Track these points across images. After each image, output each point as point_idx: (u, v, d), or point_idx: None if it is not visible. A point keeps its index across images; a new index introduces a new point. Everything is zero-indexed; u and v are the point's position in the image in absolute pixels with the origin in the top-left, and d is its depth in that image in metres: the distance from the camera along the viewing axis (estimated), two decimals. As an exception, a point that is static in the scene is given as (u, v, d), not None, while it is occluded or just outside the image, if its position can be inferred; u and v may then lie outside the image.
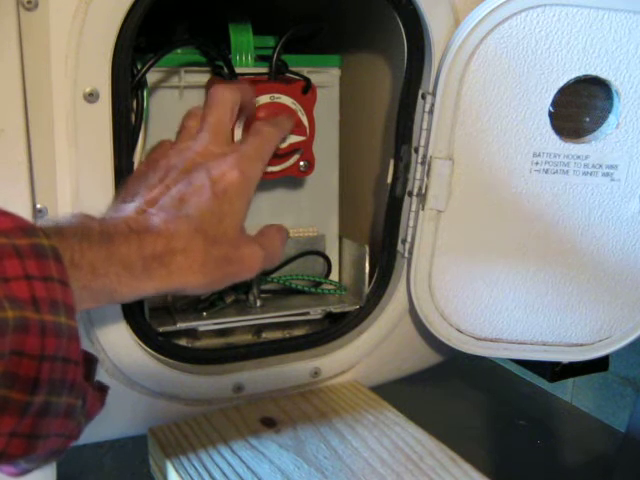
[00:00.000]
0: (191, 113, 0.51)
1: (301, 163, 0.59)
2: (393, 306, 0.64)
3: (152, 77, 0.57)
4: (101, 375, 0.54)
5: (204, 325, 0.61)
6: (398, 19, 0.56)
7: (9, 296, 0.29)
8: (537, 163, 0.57)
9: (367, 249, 0.65)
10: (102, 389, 0.38)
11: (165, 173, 0.45)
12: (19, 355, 0.29)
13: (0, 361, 0.28)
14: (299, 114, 0.58)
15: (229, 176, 0.44)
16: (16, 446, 0.30)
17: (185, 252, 0.41)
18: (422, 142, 0.58)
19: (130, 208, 0.42)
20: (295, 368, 0.63)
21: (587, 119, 0.58)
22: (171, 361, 0.58)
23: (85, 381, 0.34)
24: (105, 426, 0.58)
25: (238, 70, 0.57)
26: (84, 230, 0.37)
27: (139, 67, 0.53)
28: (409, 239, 0.60)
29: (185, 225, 0.41)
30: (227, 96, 0.49)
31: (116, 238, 0.38)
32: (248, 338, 0.67)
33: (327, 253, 0.69)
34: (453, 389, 1.53)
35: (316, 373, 0.64)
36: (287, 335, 0.67)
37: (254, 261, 0.45)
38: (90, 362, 0.37)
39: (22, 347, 0.29)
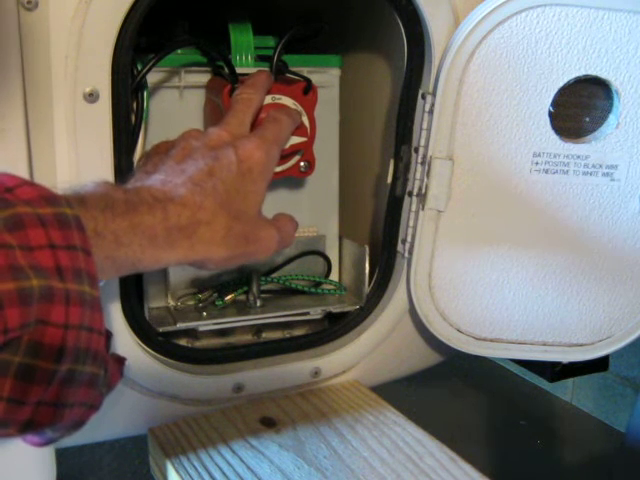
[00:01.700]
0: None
1: (301, 163, 0.59)
2: (393, 306, 0.64)
3: (152, 77, 0.57)
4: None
5: (204, 325, 0.61)
6: (398, 19, 0.56)
7: (34, 265, 0.29)
8: (537, 163, 0.57)
9: (367, 249, 0.65)
10: (120, 361, 0.39)
11: (191, 149, 0.45)
12: (44, 324, 0.29)
13: (26, 330, 0.28)
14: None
15: (255, 156, 0.45)
16: (43, 414, 0.31)
17: (209, 225, 0.41)
18: (422, 142, 0.58)
19: (155, 179, 0.42)
20: (295, 368, 0.63)
21: (587, 119, 0.58)
22: (171, 361, 0.58)
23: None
24: (105, 426, 0.58)
25: (238, 70, 0.57)
26: (107, 200, 0.37)
27: (139, 67, 0.53)
28: (409, 239, 0.60)
29: (211, 198, 0.41)
30: (254, 97, 0.51)
31: (140, 208, 0.38)
32: (248, 338, 0.67)
33: (327, 253, 0.69)
34: (453, 389, 1.53)
35: (316, 373, 0.64)
36: (287, 335, 0.67)
37: (270, 242, 0.46)
38: (108, 336, 0.37)
39: (47, 316, 0.29)
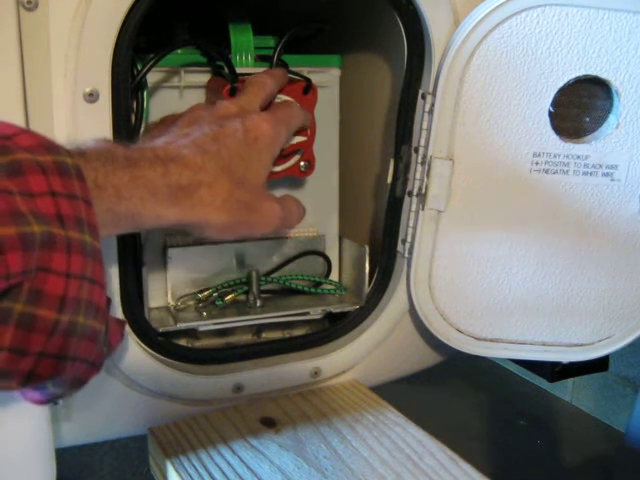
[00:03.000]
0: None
1: (302, 163, 0.59)
2: (393, 306, 0.64)
3: (152, 77, 0.57)
4: (101, 375, 0.54)
5: (204, 325, 0.61)
6: (398, 19, 0.56)
7: (34, 211, 0.28)
8: (537, 163, 0.57)
9: (367, 249, 0.65)
10: (120, 323, 0.38)
11: (198, 117, 0.45)
12: (46, 271, 0.29)
13: (27, 277, 0.28)
14: (299, 114, 0.58)
15: (262, 127, 0.45)
16: (44, 366, 0.30)
17: (210, 187, 0.41)
18: (422, 142, 0.58)
19: (159, 141, 0.42)
20: (295, 368, 0.63)
21: (587, 119, 0.58)
22: (171, 361, 0.58)
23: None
24: (105, 426, 0.58)
25: (238, 70, 0.57)
26: (108, 154, 0.37)
27: (139, 67, 0.53)
28: (409, 239, 0.60)
29: (214, 161, 0.41)
30: (269, 83, 0.52)
31: (141, 163, 0.38)
32: (248, 338, 0.67)
33: (327, 253, 0.69)
34: (453, 389, 1.53)
35: (316, 373, 0.64)
36: (287, 335, 0.67)
37: (272, 216, 0.46)
38: (108, 299, 0.37)
39: (49, 263, 0.29)
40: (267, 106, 0.53)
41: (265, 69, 0.57)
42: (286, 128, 0.49)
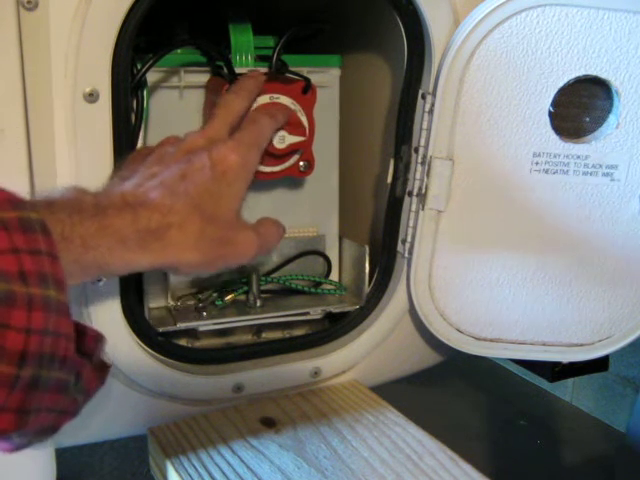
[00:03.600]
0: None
1: (301, 163, 0.59)
2: (393, 306, 0.64)
3: (152, 77, 0.57)
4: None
5: (204, 325, 0.61)
6: (398, 19, 0.56)
7: None
8: (537, 163, 0.57)
9: (367, 249, 0.65)
10: (103, 367, 0.38)
11: (166, 154, 0.45)
12: (5, 328, 0.29)
13: None
14: (299, 114, 0.58)
15: (229, 159, 0.45)
16: (5, 421, 0.30)
17: (180, 227, 0.41)
18: (422, 142, 0.58)
19: (128, 184, 0.42)
20: (295, 368, 0.63)
21: (587, 119, 0.58)
22: (171, 361, 0.58)
23: (82, 357, 0.34)
24: (105, 426, 0.58)
25: (238, 70, 0.57)
26: (75, 203, 0.37)
27: (139, 67, 0.53)
28: (409, 239, 0.60)
29: (182, 201, 0.41)
30: (236, 102, 0.51)
31: (110, 211, 0.38)
32: (248, 338, 0.67)
33: (327, 253, 0.69)
34: (453, 389, 1.53)
35: (316, 373, 0.64)
36: (287, 335, 0.67)
37: (248, 246, 0.45)
38: (96, 340, 0.37)
39: (8, 320, 0.29)
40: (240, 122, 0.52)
41: (257, 69, 0.57)
42: (256, 150, 0.48)
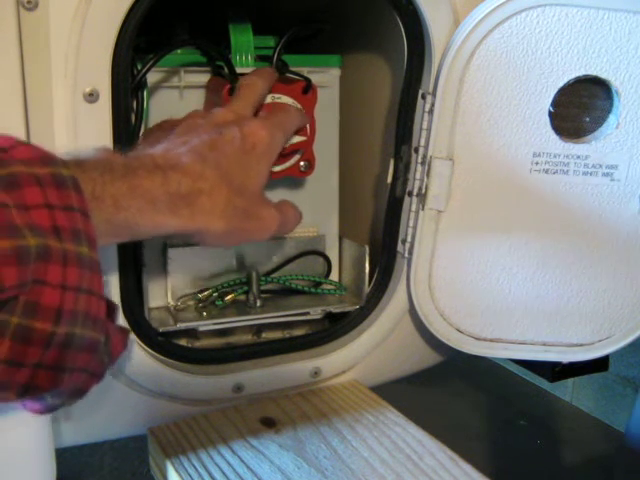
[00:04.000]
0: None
1: (301, 163, 0.59)
2: (393, 306, 0.64)
3: (152, 77, 0.57)
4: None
5: (204, 325, 0.61)
6: (398, 19, 0.56)
7: (30, 224, 0.28)
8: (537, 163, 0.57)
9: (367, 249, 0.65)
10: (124, 332, 0.38)
11: (196, 125, 0.45)
12: (41, 284, 0.29)
13: (22, 290, 0.28)
14: (299, 114, 0.58)
15: (259, 134, 0.45)
16: (42, 378, 0.30)
17: (210, 195, 0.41)
18: (422, 142, 0.58)
19: (157, 148, 0.42)
20: (295, 368, 0.63)
21: (587, 119, 0.58)
22: (171, 361, 0.58)
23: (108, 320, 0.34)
24: (105, 426, 0.58)
25: (238, 70, 0.57)
26: (106, 163, 0.36)
27: (139, 67, 0.53)
28: (409, 239, 0.60)
29: (213, 169, 0.41)
30: (259, 84, 0.52)
31: (140, 172, 0.38)
32: (248, 338, 0.67)
33: (327, 253, 0.69)
34: (453, 389, 1.53)
35: (316, 373, 0.64)
36: (287, 335, 0.67)
37: (271, 222, 0.46)
38: (110, 308, 0.37)
39: (44, 276, 0.29)
40: (260, 107, 0.53)
41: (255, 69, 0.57)
42: (282, 133, 0.49)
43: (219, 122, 0.45)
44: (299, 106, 0.58)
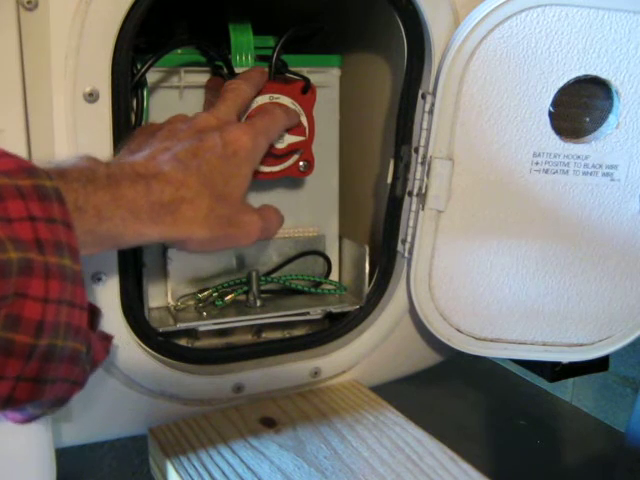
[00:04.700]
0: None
1: (301, 163, 0.59)
2: (393, 306, 0.64)
3: (152, 77, 0.57)
4: (101, 375, 0.54)
5: (204, 325, 0.61)
6: (398, 19, 0.56)
7: (12, 237, 0.28)
8: (537, 163, 0.57)
9: (367, 249, 0.65)
10: (106, 339, 0.38)
11: (177, 130, 0.45)
12: (23, 297, 0.29)
13: (4, 303, 0.28)
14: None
15: (241, 140, 0.45)
16: (23, 390, 0.30)
17: (192, 203, 0.41)
18: (422, 142, 0.58)
19: (139, 155, 0.42)
20: (295, 368, 0.63)
21: (587, 119, 0.58)
22: (171, 361, 0.58)
23: (90, 329, 0.34)
24: (105, 426, 0.58)
25: (238, 70, 0.57)
26: (89, 173, 0.36)
27: (139, 67, 0.53)
28: (409, 239, 0.60)
29: (195, 177, 0.41)
30: (243, 88, 0.51)
31: (123, 182, 0.38)
32: (248, 338, 0.67)
33: (327, 253, 0.69)
34: (453, 389, 1.53)
35: (316, 373, 0.64)
36: (287, 335, 0.67)
37: (253, 228, 0.46)
38: (93, 314, 0.37)
39: (26, 289, 0.29)
40: (245, 110, 0.53)
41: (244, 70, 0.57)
42: (265, 138, 0.48)
43: (200, 128, 0.45)
44: (298, 106, 0.58)
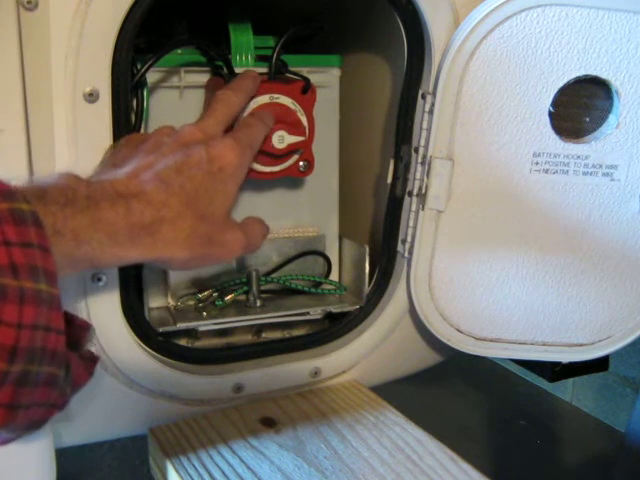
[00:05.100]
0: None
1: (301, 163, 0.59)
2: (393, 306, 0.64)
3: (152, 77, 0.57)
4: (101, 375, 0.54)
5: (204, 325, 0.61)
6: (398, 19, 0.56)
7: None
8: (537, 163, 0.57)
9: (367, 249, 0.65)
10: (92, 359, 0.38)
11: (162, 144, 0.45)
12: None
13: None
14: (298, 114, 0.58)
15: (227, 157, 0.44)
16: None
17: (173, 223, 0.40)
18: (422, 142, 0.58)
19: (121, 172, 0.41)
20: (295, 368, 0.63)
21: (587, 119, 0.58)
22: (171, 361, 0.58)
23: (71, 350, 0.34)
24: (105, 426, 0.58)
25: (238, 70, 0.57)
26: (69, 194, 0.36)
27: (139, 67, 0.53)
28: (409, 239, 0.60)
29: (177, 197, 0.41)
30: (232, 99, 0.51)
31: (102, 204, 0.37)
32: (248, 338, 0.67)
33: (327, 253, 0.69)
34: (453, 389, 1.53)
35: (316, 373, 0.64)
36: (287, 335, 0.67)
37: (235, 246, 0.45)
38: (83, 330, 0.37)
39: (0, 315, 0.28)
40: (236, 119, 0.52)
41: (253, 69, 0.57)
42: (250, 150, 0.48)
43: (186, 142, 0.44)
44: (298, 106, 0.58)
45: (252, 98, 0.55)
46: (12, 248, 0.29)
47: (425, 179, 0.58)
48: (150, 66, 0.53)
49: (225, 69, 0.57)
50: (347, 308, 0.65)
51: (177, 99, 0.59)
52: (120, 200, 0.38)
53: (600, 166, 0.57)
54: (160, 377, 0.57)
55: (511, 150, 0.56)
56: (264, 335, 0.67)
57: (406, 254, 0.61)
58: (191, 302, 0.64)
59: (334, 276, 0.70)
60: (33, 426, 0.33)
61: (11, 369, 0.29)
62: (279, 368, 0.62)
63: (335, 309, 0.65)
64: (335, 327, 0.65)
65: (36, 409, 0.32)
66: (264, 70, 0.58)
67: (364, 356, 0.65)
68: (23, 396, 0.31)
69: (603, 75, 0.55)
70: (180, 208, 0.41)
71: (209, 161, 0.43)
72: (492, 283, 0.60)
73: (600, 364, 0.68)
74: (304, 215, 0.67)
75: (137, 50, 0.53)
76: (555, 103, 0.56)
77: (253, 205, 0.64)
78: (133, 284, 0.54)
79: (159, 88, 0.58)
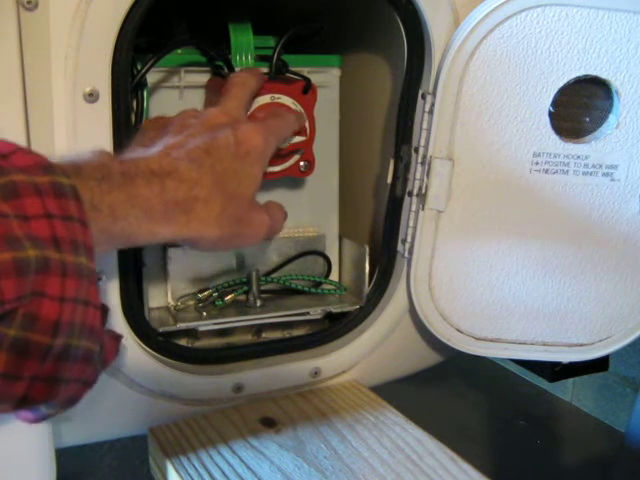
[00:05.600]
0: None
1: (301, 163, 0.59)
2: (393, 306, 0.64)
3: (152, 77, 0.57)
4: (101, 375, 0.54)
5: (204, 325, 0.61)
6: (398, 19, 0.56)
7: (30, 235, 0.28)
8: (537, 163, 0.57)
9: (367, 249, 0.66)
10: (116, 338, 0.38)
11: (189, 125, 0.45)
12: (40, 296, 0.28)
13: (22, 302, 0.27)
14: (299, 114, 0.58)
15: (254, 140, 0.44)
16: (38, 390, 0.30)
17: (205, 202, 0.40)
18: (422, 142, 0.58)
19: (152, 151, 0.41)
20: (295, 368, 0.63)
21: (587, 119, 0.58)
22: (171, 361, 0.58)
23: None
24: (105, 426, 0.58)
25: (238, 70, 0.57)
26: (104, 171, 0.36)
27: (139, 67, 0.53)
28: (409, 239, 0.60)
29: (209, 176, 0.41)
30: (250, 81, 0.52)
31: (137, 180, 0.37)
32: (248, 338, 0.67)
33: (327, 253, 0.69)
34: (453, 389, 1.53)
35: (316, 373, 0.64)
36: (287, 335, 0.67)
37: (261, 228, 0.46)
38: (104, 309, 0.37)
39: (43, 288, 0.28)
40: (255, 107, 0.53)
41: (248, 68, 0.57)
42: (275, 139, 0.48)
43: (212, 124, 0.45)
44: (299, 106, 0.58)
45: (253, 98, 0.55)
46: (54, 221, 0.29)
47: (425, 179, 0.58)
48: (151, 66, 0.53)
49: (225, 69, 0.57)
50: (347, 308, 0.66)
51: (177, 99, 0.59)
52: (154, 178, 0.38)
53: (600, 166, 0.57)
54: (160, 377, 0.57)
55: (511, 150, 0.56)
56: (264, 335, 0.67)
57: (406, 254, 0.61)
58: (191, 302, 0.64)
59: (334, 276, 0.70)
60: (68, 403, 0.33)
61: (54, 343, 0.29)
62: (279, 368, 0.62)
63: (335, 309, 0.65)
64: (335, 327, 0.65)
65: (74, 385, 0.32)
66: (264, 70, 0.58)
67: (364, 356, 0.65)
68: (64, 370, 0.31)
69: (603, 75, 0.55)
70: (211, 187, 0.41)
71: (236, 144, 0.44)
72: (492, 283, 0.60)
73: (600, 364, 0.67)
74: (304, 215, 0.67)
75: (137, 50, 0.53)
76: (555, 103, 0.56)
77: (253, 205, 0.64)
78: (133, 284, 0.54)
79: (159, 88, 0.59)
